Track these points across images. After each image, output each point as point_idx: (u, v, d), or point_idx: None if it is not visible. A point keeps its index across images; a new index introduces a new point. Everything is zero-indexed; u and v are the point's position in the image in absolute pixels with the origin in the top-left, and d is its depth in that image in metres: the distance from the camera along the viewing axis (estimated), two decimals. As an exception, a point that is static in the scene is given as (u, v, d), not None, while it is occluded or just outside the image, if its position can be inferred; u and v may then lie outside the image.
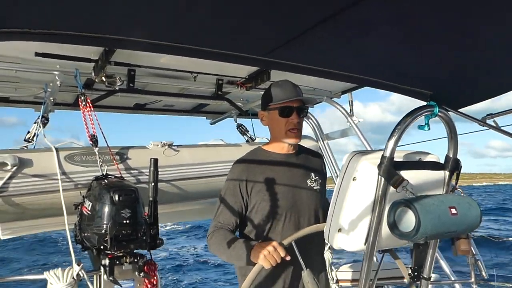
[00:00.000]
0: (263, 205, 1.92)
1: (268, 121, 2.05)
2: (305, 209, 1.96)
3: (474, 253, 2.75)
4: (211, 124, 3.97)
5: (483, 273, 2.70)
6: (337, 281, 2.92)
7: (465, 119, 1.74)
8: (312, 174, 2.04)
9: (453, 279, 2.90)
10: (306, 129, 3.94)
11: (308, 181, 2.01)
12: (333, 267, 2.99)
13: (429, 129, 1.30)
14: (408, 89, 1.73)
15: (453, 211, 1.17)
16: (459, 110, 1.74)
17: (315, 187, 2.02)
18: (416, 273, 1.49)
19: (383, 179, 1.21)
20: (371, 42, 1.24)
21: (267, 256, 1.54)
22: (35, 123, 2.61)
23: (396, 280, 2.64)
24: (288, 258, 1.56)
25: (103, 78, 2.34)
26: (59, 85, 2.44)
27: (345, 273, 2.92)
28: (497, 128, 2.41)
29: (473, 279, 2.69)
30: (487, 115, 2.43)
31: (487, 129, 2.45)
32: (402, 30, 1.16)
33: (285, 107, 1.95)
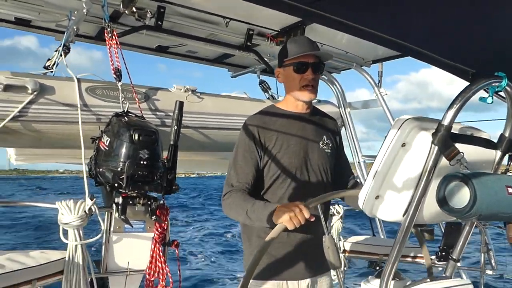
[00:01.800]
0: (274, 162, 1.86)
1: (283, 78, 1.96)
2: (315, 169, 1.91)
3: (487, 242, 2.71)
4: (232, 77, 3.85)
5: (493, 263, 2.67)
6: (344, 251, 2.92)
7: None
8: (324, 136, 1.98)
9: (459, 265, 2.87)
10: (329, 94, 3.83)
11: (320, 143, 1.95)
12: (341, 237, 2.99)
13: (492, 101, 1.19)
14: (450, 64, 1.62)
15: (510, 190, 1.08)
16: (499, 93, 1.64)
17: (326, 150, 1.96)
18: (444, 253, 1.42)
19: (436, 148, 1.12)
20: (420, 10, 1.17)
21: (292, 218, 1.47)
22: (56, 51, 2.51)
23: (413, 259, 2.61)
24: (312, 219, 1.50)
25: (134, 9, 2.21)
26: (85, 13, 2.32)
27: (353, 244, 2.91)
28: None
29: (481, 267, 2.66)
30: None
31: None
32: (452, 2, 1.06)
33: (300, 62, 1.85)
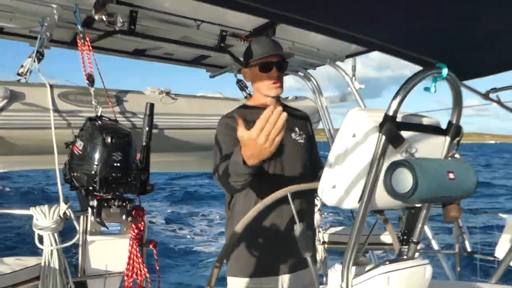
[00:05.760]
0: None
1: (251, 77, 2.07)
2: (289, 161, 1.98)
3: (461, 225, 2.80)
4: (210, 77, 3.89)
5: (467, 245, 2.76)
6: (324, 243, 2.98)
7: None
8: (297, 128, 2.06)
9: (436, 249, 2.95)
10: (306, 91, 3.90)
11: (293, 135, 2.03)
12: (320, 229, 3.05)
13: (435, 91, 1.25)
14: (414, 57, 1.69)
15: (451, 175, 1.15)
16: (463, 82, 1.71)
17: (299, 141, 2.04)
18: (405, 237, 1.48)
19: (383, 137, 1.17)
20: (382, 6, 1.22)
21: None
22: (29, 57, 2.53)
23: (384, 246, 2.68)
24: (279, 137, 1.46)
25: (104, 17, 2.24)
26: (56, 19, 2.34)
27: (331, 235, 2.97)
28: (500, 103, 2.37)
29: (457, 250, 2.74)
30: (491, 89, 2.39)
31: (489, 104, 2.42)
32: None
33: (265, 62, 1.97)
